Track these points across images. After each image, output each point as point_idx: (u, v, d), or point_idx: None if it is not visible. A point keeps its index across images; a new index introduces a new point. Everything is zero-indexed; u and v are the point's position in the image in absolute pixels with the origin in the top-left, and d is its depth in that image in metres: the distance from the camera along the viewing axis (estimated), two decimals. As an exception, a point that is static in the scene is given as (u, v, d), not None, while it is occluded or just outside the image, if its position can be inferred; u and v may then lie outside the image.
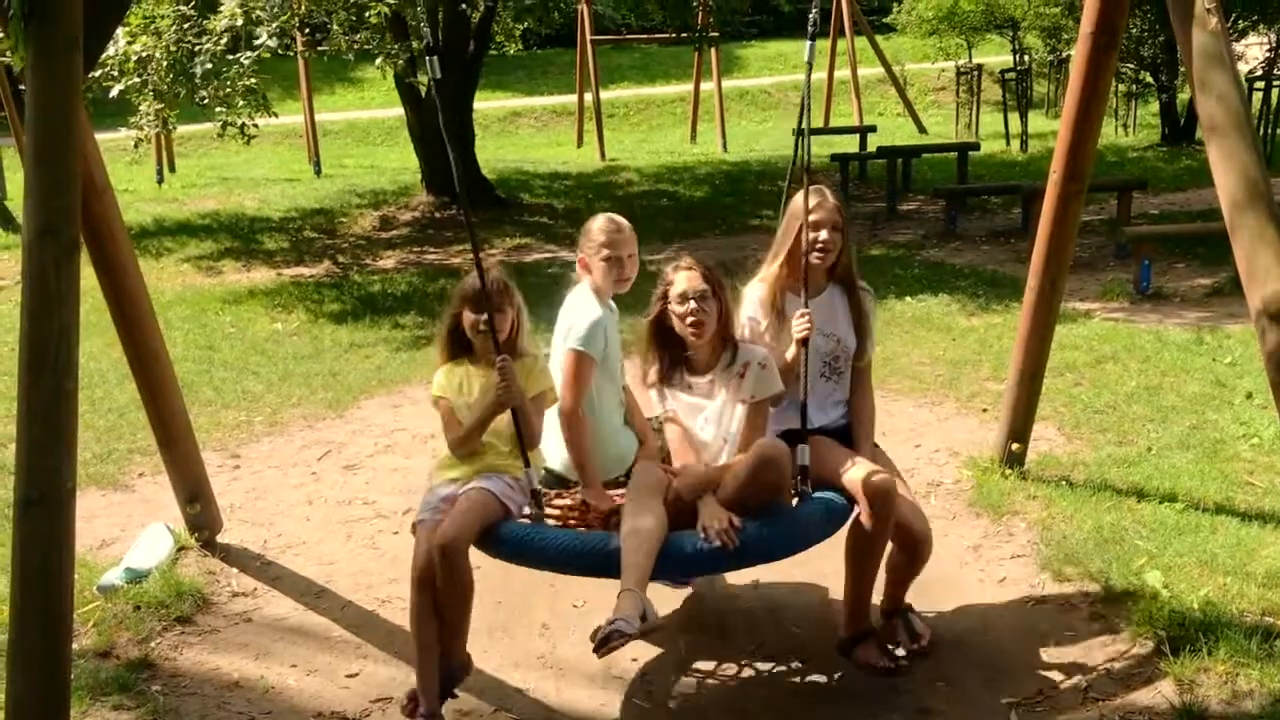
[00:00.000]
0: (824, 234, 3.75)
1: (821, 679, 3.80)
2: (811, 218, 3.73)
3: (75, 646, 3.57)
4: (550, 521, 3.68)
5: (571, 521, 3.71)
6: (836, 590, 4.32)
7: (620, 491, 3.68)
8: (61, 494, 2.96)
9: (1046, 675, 3.72)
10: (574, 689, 3.80)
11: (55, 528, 2.95)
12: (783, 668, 3.88)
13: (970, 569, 4.51)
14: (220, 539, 4.91)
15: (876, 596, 3.84)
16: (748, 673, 3.87)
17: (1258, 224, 3.33)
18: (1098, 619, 4.02)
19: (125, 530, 5.02)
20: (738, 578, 4.42)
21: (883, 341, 7.69)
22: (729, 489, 3.45)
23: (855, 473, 3.58)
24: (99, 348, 7.52)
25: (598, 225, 3.89)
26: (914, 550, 3.77)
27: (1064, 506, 4.84)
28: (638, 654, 3.99)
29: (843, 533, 3.65)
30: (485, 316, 3.61)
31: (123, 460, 5.92)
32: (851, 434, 3.87)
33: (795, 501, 3.57)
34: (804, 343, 3.65)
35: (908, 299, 8.86)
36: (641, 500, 3.42)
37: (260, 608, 4.41)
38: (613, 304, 3.96)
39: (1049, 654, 3.85)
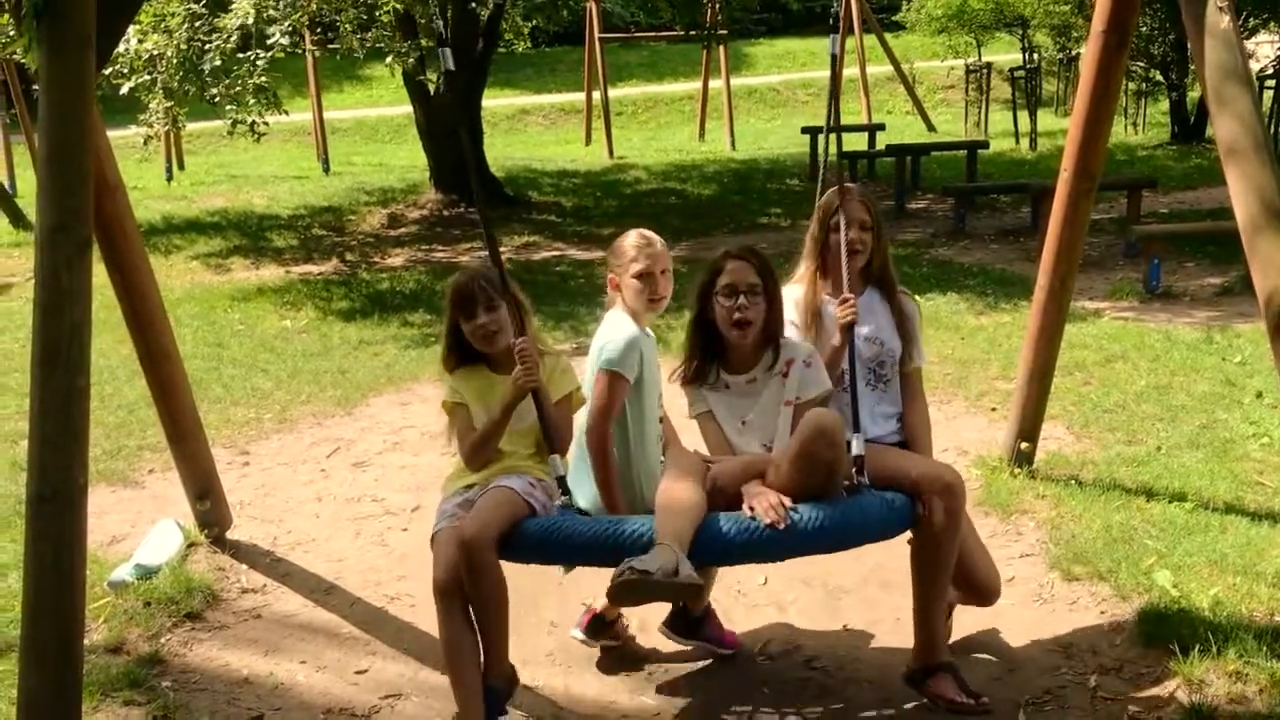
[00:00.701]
0: (852, 232, 3.60)
1: (828, 677, 3.80)
2: (838, 219, 3.59)
3: (86, 642, 3.57)
4: None
5: None
6: (840, 589, 4.32)
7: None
8: (73, 490, 2.97)
9: (1055, 674, 3.71)
10: (582, 686, 3.81)
11: (67, 524, 2.97)
12: (789, 664, 3.88)
13: (979, 568, 4.50)
14: (230, 535, 4.93)
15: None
16: (755, 670, 3.87)
17: (1276, 248, 3.33)
18: (1106, 618, 4.01)
19: (135, 526, 5.03)
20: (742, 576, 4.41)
21: (891, 340, 7.69)
22: (781, 474, 3.14)
23: (919, 467, 3.32)
24: (109, 344, 7.54)
25: (629, 241, 3.58)
26: (978, 595, 3.65)
27: (1073, 506, 4.83)
28: (647, 651, 3.99)
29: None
30: (481, 321, 3.40)
31: (133, 457, 5.94)
32: (909, 448, 3.63)
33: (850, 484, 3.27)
34: (849, 329, 3.45)
35: (916, 297, 8.77)
36: (677, 478, 3.13)
37: (269, 604, 4.42)
38: (650, 331, 3.68)
39: (1057, 653, 3.84)
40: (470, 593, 3.17)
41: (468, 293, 3.41)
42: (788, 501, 3.09)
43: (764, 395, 3.45)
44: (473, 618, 3.21)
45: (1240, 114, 3.46)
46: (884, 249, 3.74)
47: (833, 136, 3.75)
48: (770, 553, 3.17)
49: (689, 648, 3.95)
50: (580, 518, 3.35)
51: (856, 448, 3.28)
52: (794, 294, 3.70)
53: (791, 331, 3.61)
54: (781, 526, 3.01)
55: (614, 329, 3.53)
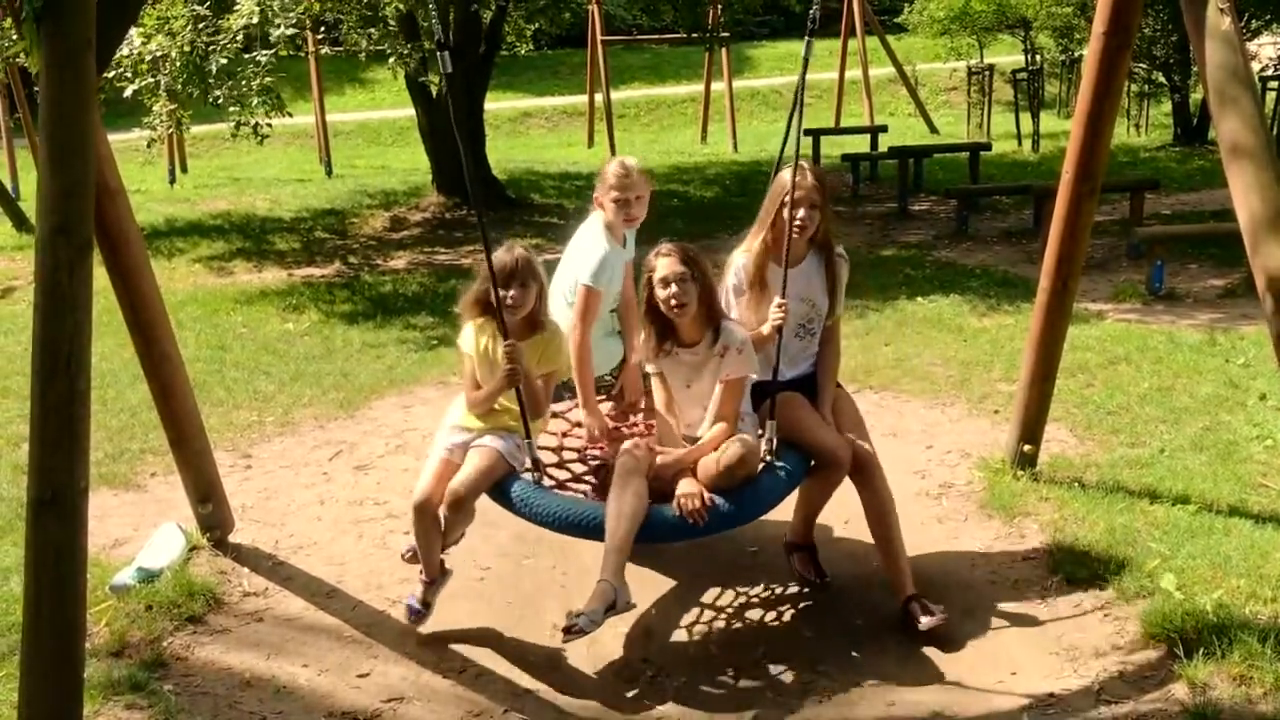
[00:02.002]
0: (801, 212, 4.10)
1: (834, 683, 3.79)
2: (791, 196, 4.08)
3: (88, 646, 3.58)
4: (547, 454, 4.31)
5: (565, 451, 4.52)
6: (843, 590, 4.32)
7: (606, 402, 4.59)
8: (74, 494, 2.97)
9: (1059, 677, 3.71)
10: (584, 691, 3.80)
11: (68, 527, 2.97)
12: (793, 672, 3.88)
13: (982, 570, 4.50)
14: (232, 539, 4.92)
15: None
16: (756, 675, 3.86)
17: (1278, 249, 3.32)
18: (1110, 621, 4.01)
19: (137, 530, 5.03)
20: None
21: (894, 342, 7.69)
22: (707, 475, 3.86)
23: (819, 437, 4.10)
24: (111, 348, 7.54)
25: (611, 169, 4.35)
26: (870, 487, 4.16)
27: (1076, 508, 4.82)
28: (648, 654, 3.99)
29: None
30: (512, 293, 4.00)
31: (135, 460, 5.94)
32: (816, 381, 4.30)
33: (761, 466, 3.94)
34: (778, 329, 4.04)
35: (919, 299, 8.84)
36: (627, 481, 3.81)
37: (271, 607, 4.42)
38: (630, 236, 4.50)
39: (1061, 656, 3.84)
40: (448, 516, 4.01)
41: (512, 270, 4.03)
42: (709, 498, 3.81)
43: (706, 369, 4.04)
44: (439, 520, 4.03)
45: (1243, 115, 3.45)
46: (827, 219, 4.24)
47: (793, 131, 4.19)
48: (695, 536, 3.95)
49: (691, 653, 3.94)
50: (546, 495, 3.98)
51: (770, 432, 4.00)
52: (740, 260, 4.27)
53: (730, 293, 4.24)
54: (701, 525, 3.81)
55: (589, 245, 4.34)
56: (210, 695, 3.77)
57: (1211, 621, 3.78)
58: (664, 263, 3.98)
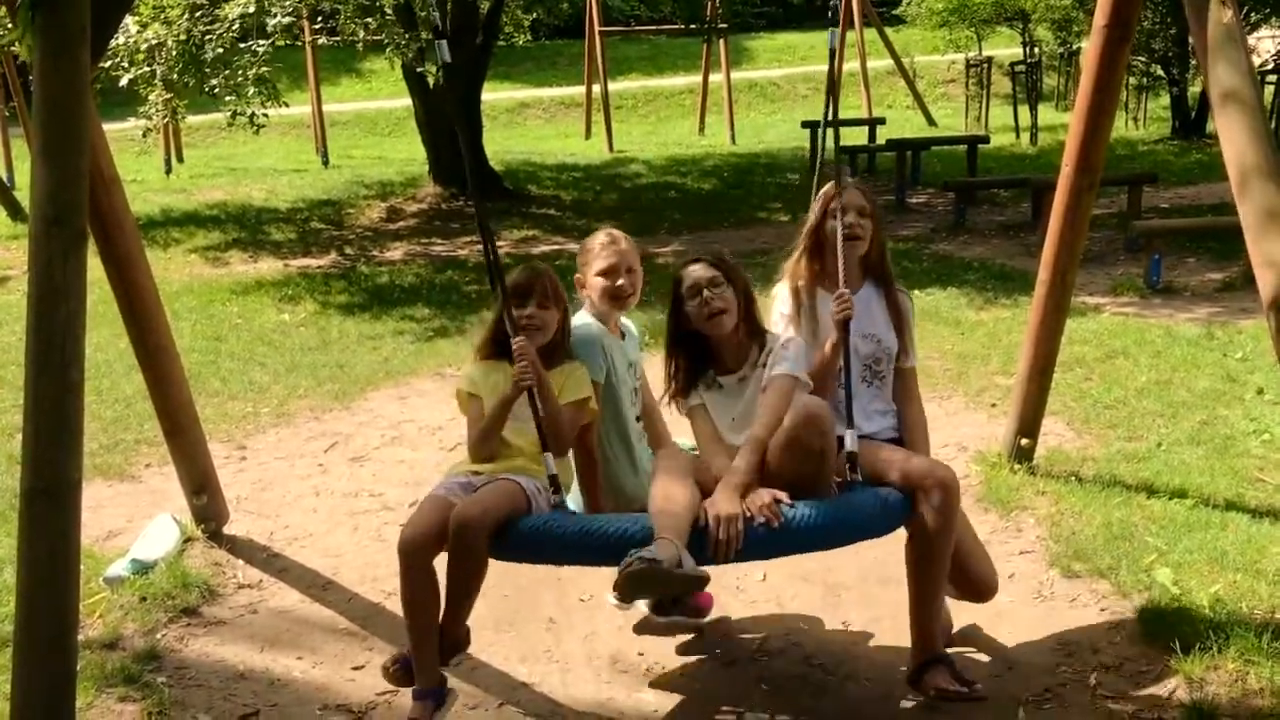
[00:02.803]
0: (850, 217, 3.55)
1: (827, 675, 3.78)
2: (837, 205, 3.56)
3: (81, 638, 3.57)
4: None
5: None
6: (839, 585, 4.31)
7: None
8: (68, 485, 2.95)
9: (1055, 672, 3.70)
10: (580, 683, 3.79)
11: (61, 518, 2.95)
12: (787, 661, 3.87)
13: (978, 565, 4.49)
14: (226, 530, 4.91)
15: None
16: (753, 668, 3.86)
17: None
18: (1107, 616, 4.00)
19: (132, 521, 5.02)
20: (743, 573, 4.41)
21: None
22: (772, 455, 3.19)
23: (913, 464, 3.32)
24: (106, 338, 7.52)
25: (596, 240, 3.66)
26: (974, 592, 3.70)
27: (1073, 502, 4.82)
28: (644, 648, 3.98)
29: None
30: (529, 312, 3.41)
31: (129, 451, 5.92)
32: (905, 446, 3.58)
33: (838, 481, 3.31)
34: (844, 325, 3.42)
35: (916, 292, 8.79)
36: (670, 479, 3.17)
37: (266, 599, 4.41)
38: (629, 325, 3.81)
39: (1057, 651, 3.83)
40: (453, 567, 3.19)
41: (528, 285, 3.45)
42: (784, 498, 3.12)
43: (750, 388, 3.47)
44: (437, 579, 3.23)
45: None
46: (881, 242, 3.71)
47: (830, 131, 3.77)
48: (765, 551, 3.19)
49: (687, 648, 3.94)
50: (574, 515, 3.35)
51: (850, 444, 3.29)
52: (787, 288, 3.69)
53: (781, 322, 3.62)
54: (776, 525, 3.05)
55: (576, 331, 3.58)
56: (204, 687, 3.76)
57: (1208, 616, 3.78)
58: (690, 271, 3.45)
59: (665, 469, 3.26)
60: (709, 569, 3.06)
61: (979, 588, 3.72)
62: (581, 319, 3.65)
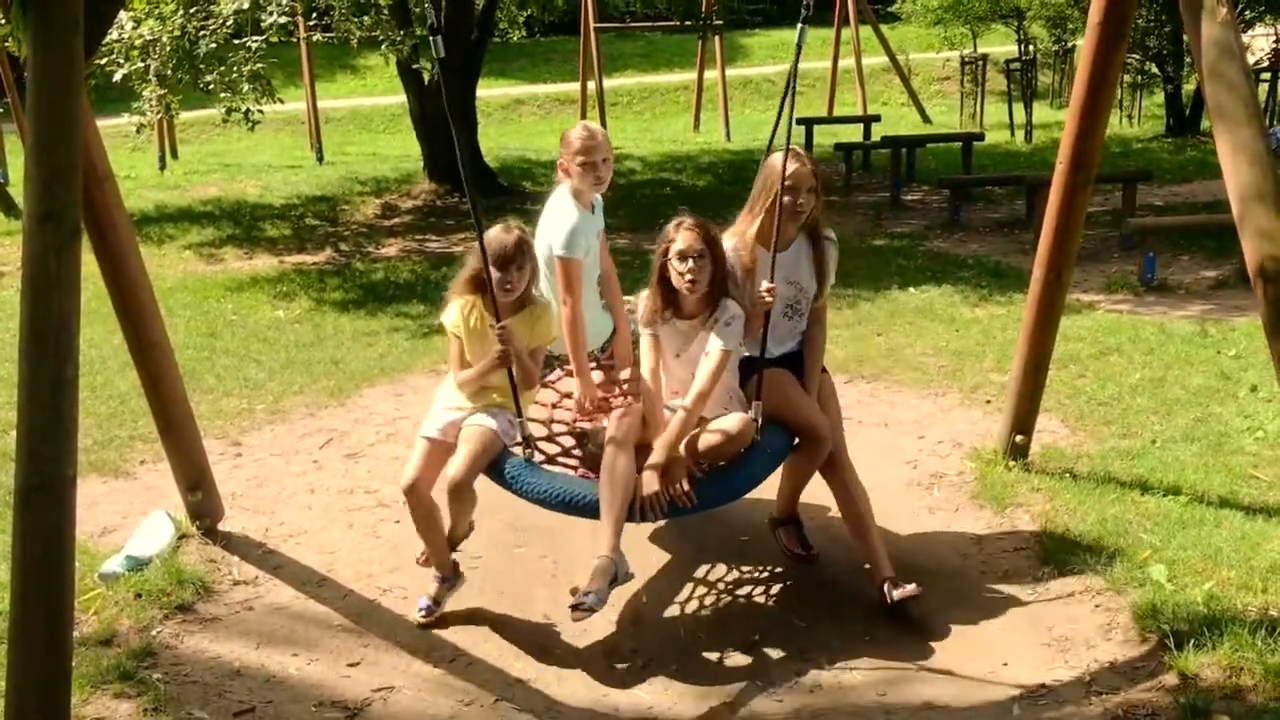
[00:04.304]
0: (801, 197, 4.12)
1: (824, 672, 3.79)
2: (788, 182, 4.07)
3: (76, 634, 3.56)
4: (537, 427, 4.41)
5: (555, 424, 4.57)
6: (834, 580, 4.33)
7: (596, 372, 4.56)
8: (62, 481, 2.95)
9: (1050, 668, 3.71)
10: (575, 679, 3.80)
11: (56, 515, 2.95)
12: (783, 660, 3.88)
13: (973, 561, 4.50)
14: (221, 527, 4.90)
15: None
16: (746, 664, 3.86)
17: (1266, 217, 3.31)
18: (1101, 612, 4.01)
19: (127, 518, 5.01)
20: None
21: (886, 332, 7.69)
22: (701, 448, 3.96)
23: (804, 413, 4.15)
24: (100, 334, 7.50)
25: (575, 134, 4.34)
26: (814, 451, 4.20)
27: (1068, 499, 4.83)
28: (638, 644, 3.99)
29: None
30: (499, 275, 3.99)
31: (124, 447, 5.91)
32: (803, 360, 4.33)
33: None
34: (765, 314, 4.08)
35: (911, 289, 8.84)
36: (616, 454, 3.89)
37: (261, 596, 4.40)
38: (597, 200, 4.51)
39: (1052, 647, 3.84)
40: (450, 507, 4.03)
41: (509, 253, 4.02)
42: (695, 475, 3.92)
43: (697, 340, 4.09)
44: (434, 502, 4.04)
45: (1232, 83, 3.43)
46: (819, 204, 4.23)
47: (786, 112, 4.24)
48: (685, 513, 4.01)
49: (683, 639, 3.95)
50: (539, 473, 4.03)
51: (756, 413, 4.04)
52: (729, 244, 4.22)
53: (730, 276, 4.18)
54: (687, 505, 3.91)
55: (560, 216, 4.31)
56: (199, 684, 3.76)
57: (1202, 612, 3.79)
58: (685, 236, 4.00)
59: (611, 448, 3.92)
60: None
61: (808, 439, 4.20)
62: (564, 198, 4.37)
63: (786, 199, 4.08)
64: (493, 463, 4.00)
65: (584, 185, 4.36)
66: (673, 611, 4.25)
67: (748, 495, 4.20)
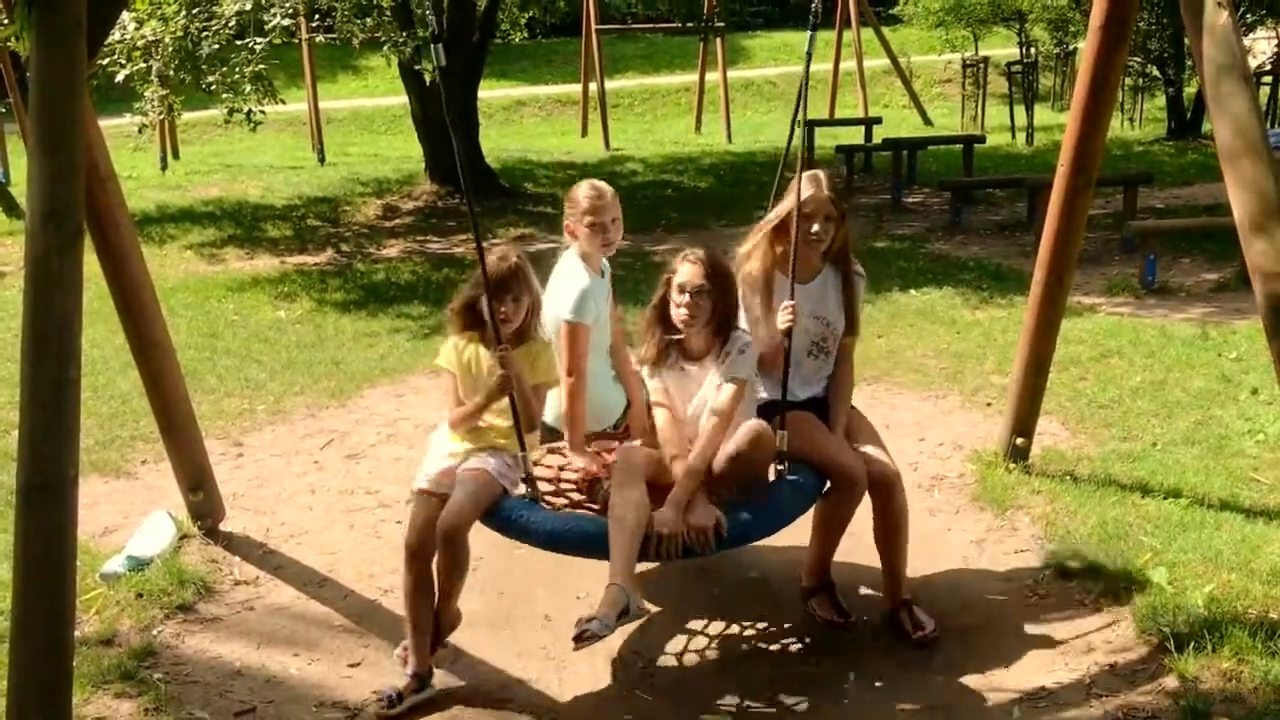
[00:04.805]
0: (816, 225, 3.88)
1: (827, 676, 3.79)
2: (805, 209, 3.84)
3: (77, 634, 3.57)
4: (543, 484, 3.81)
5: (563, 483, 3.89)
6: (841, 585, 4.33)
7: (605, 445, 4.00)
8: (64, 481, 2.95)
9: (1050, 671, 3.71)
10: (576, 680, 3.80)
11: (57, 515, 2.95)
12: (788, 659, 3.88)
13: (973, 564, 4.50)
14: (222, 527, 4.91)
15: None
16: (749, 666, 3.86)
17: (1275, 250, 3.31)
18: (1101, 615, 4.01)
19: (128, 518, 5.01)
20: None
21: (886, 334, 7.69)
22: (719, 464, 3.60)
23: (833, 456, 3.83)
24: (102, 334, 7.51)
25: (582, 193, 4.09)
26: (888, 506, 3.90)
27: (1068, 501, 4.83)
28: (640, 647, 3.99)
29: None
30: (504, 309, 3.73)
31: (125, 447, 5.91)
32: (829, 404, 4.05)
33: (773, 477, 3.73)
34: (787, 333, 3.80)
35: (912, 292, 8.84)
36: (627, 483, 3.53)
37: (262, 596, 4.41)
38: (606, 263, 4.22)
39: (1052, 650, 3.84)
40: (441, 558, 3.62)
41: (504, 281, 3.74)
42: (723, 520, 3.53)
43: (707, 382, 3.79)
44: (434, 572, 3.66)
45: (1239, 111, 3.44)
46: (845, 231, 3.99)
47: (801, 131, 4.03)
48: (705, 554, 3.64)
49: (685, 644, 3.94)
50: (542, 512, 3.65)
51: (781, 444, 3.72)
52: (746, 269, 3.99)
53: (745, 304, 3.92)
54: (705, 550, 3.55)
55: (568, 280, 4.02)
56: (200, 684, 3.76)
57: (1202, 616, 3.79)
58: (687, 269, 3.73)
59: (621, 479, 3.55)
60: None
61: (841, 478, 3.86)
62: (572, 262, 4.09)
63: (801, 226, 3.82)
64: (491, 508, 3.63)
65: (592, 248, 4.08)
66: (676, 616, 4.24)
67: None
